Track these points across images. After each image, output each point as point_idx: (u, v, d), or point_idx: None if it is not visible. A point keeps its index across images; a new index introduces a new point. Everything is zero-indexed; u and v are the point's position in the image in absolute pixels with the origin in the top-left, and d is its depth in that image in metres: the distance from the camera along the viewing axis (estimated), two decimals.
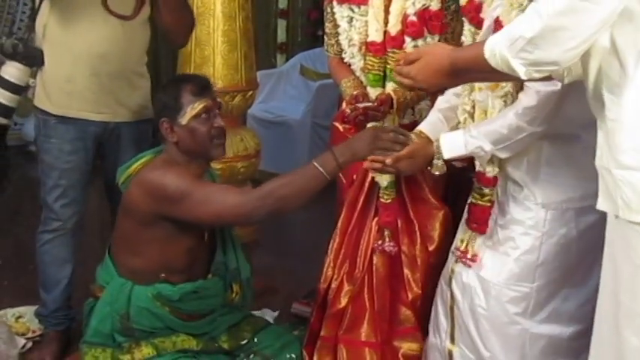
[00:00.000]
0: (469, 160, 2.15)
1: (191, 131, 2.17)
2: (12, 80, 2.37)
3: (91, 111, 2.48)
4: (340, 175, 2.51)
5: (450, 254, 2.21)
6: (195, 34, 3.19)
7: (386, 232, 2.41)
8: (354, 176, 2.47)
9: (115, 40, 2.42)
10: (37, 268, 2.69)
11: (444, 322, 2.18)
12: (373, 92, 2.34)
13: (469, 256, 2.13)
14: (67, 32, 2.40)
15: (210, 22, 3.29)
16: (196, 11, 3.20)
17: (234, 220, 2.19)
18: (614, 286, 1.54)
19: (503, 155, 1.99)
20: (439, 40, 2.31)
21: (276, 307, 3.00)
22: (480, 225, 2.12)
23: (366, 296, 2.44)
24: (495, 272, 2.05)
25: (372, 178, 2.42)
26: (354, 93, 2.33)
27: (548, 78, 1.79)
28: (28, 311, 2.87)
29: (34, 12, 2.39)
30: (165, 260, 2.20)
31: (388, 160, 2.05)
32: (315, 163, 2.02)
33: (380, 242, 2.41)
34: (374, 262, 2.43)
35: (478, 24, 2.01)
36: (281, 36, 5.70)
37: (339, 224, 2.48)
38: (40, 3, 2.40)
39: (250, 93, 3.53)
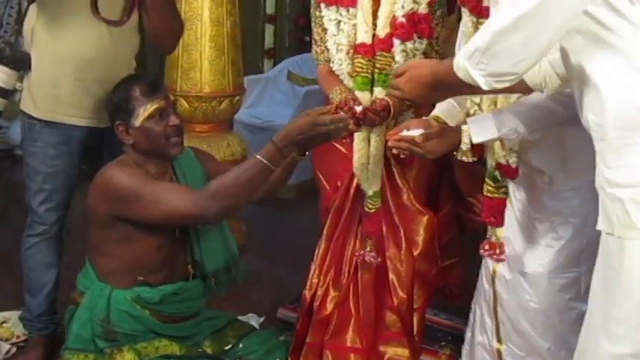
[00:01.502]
0: (481, 153, 2.14)
1: (145, 132, 2.17)
2: None
3: (75, 116, 2.47)
4: (323, 181, 2.52)
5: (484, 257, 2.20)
6: (183, 39, 3.18)
7: (368, 242, 2.42)
8: (338, 183, 2.47)
9: (102, 46, 2.41)
10: (21, 272, 2.67)
11: (488, 321, 2.19)
12: (362, 96, 2.32)
13: (497, 251, 2.14)
14: (54, 37, 2.39)
15: (198, 27, 3.29)
16: (184, 16, 3.19)
17: (184, 220, 2.16)
18: (604, 303, 1.56)
19: (534, 137, 1.96)
20: (428, 44, 2.31)
21: (262, 312, 3.00)
22: (497, 218, 2.13)
23: (351, 302, 2.45)
24: (541, 265, 2.05)
25: (357, 187, 2.42)
26: (345, 96, 2.32)
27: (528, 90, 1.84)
28: (12, 316, 2.85)
29: (20, 15, 2.39)
30: (136, 260, 2.20)
31: (418, 138, 2.00)
32: (258, 156, 2.01)
33: (362, 252, 2.42)
34: (359, 268, 2.43)
35: (480, 13, 1.99)
36: (268, 41, 5.71)
37: (325, 231, 2.48)
38: (28, 7, 2.39)
39: (237, 98, 3.53)
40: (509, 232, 2.14)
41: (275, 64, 5.57)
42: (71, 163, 2.54)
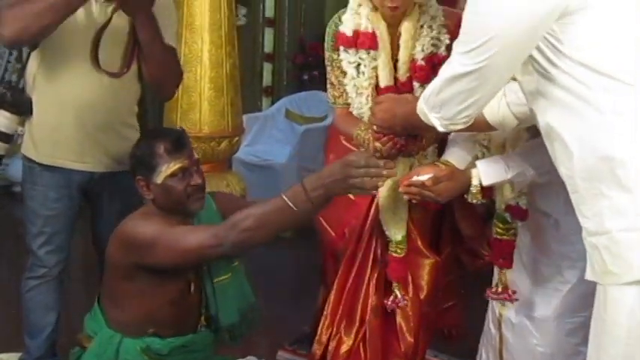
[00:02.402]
0: (490, 195, 2.14)
1: (167, 190, 2.15)
2: (0, 129, 2.39)
3: (75, 160, 2.48)
4: (328, 227, 2.51)
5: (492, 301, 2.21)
6: (183, 80, 3.23)
7: (395, 286, 2.40)
8: (345, 230, 2.47)
9: (104, 92, 2.43)
10: (20, 313, 2.66)
11: None
12: None
13: (508, 293, 2.14)
14: (55, 83, 2.42)
15: (198, 69, 3.33)
16: (183, 58, 3.24)
17: (202, 255, 2.11)
18: (598, 352, 1.60)
19: (543, 180, 1.99)
20: None
21: (261, 354, 2.97)
22: (506, 259, 2.13)
23: (361, 350, 2.44)
24: (548, 309, 2.06)
25: (370, 232, 2.41)
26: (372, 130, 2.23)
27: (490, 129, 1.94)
28: (10, 358, 2.83)
29: (22, 61, 2.42)
30: (150, 314, 2.18)
31: (428, 181, 2.02)
32: (285, 197, 1.96)
33: (392, 298, 2.39)
34: (367, 315, 2.43)
35: None
36: (267, 79, 5.75)
37: (337, 280, 2.45)
38: (29, 53, 2.42)
39: (236, 139, 3.56)
40: (515, 275, 2.14)
41: (273, 103, 5.60)
42: (71, 206, 2.55)
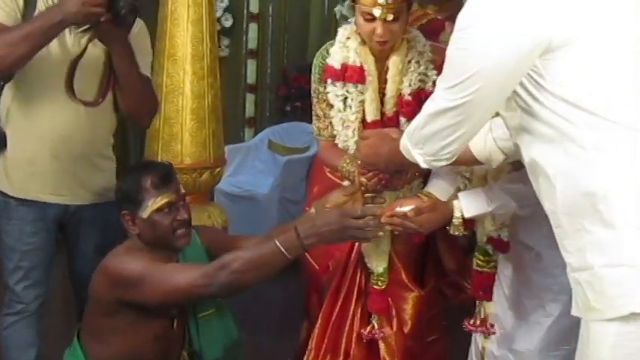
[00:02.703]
0: (472, 227, 2.14)
1: (153, 225, 2.13)
2: None
3: (50, 193, 2.45)
4: (312, 261, 2.50)
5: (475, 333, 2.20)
6: (164, 111, 3.22)
7: (375, 319, 2.39)
8: (330, 263, 2.45)
9: (79, 123, 2.41)
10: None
11: None
12: None
13: (487, 326, 2.12)
14: (29, 115, 2.39)
15: (179, 100, 3.30)
16: (165, 89, 3.23)
17: (190, 295, 2.10)
18: None
19: (524, 213, 2.00)
20: None
21: None
22: (486, 292, 2.12)
23: None
24: (531, 342, 2.06)
25: (355, 265, 2.39)
26: (357, 165, 2.24)
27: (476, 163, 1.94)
28: None
29: None
30: (132, 350, 2.15)
31: (410, 212, 2.03)
32: (277, 242, 1.96)
33: (369, 329, 2.38)
34: (352, 349, 2.40)
35: None
36: (249, 110, 5.74)
37: (322, 313, 2.44)
38: (3, 86, 2.39)
39: (218, 170, 3.53)
40: (497, 308, 2.14)
41: (256, 134, 5.59)
42: (48, 239, 2.51)
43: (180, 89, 3.32)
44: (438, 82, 1.66)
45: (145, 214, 2.13)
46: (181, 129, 3.36)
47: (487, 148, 1.91)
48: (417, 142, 1.73)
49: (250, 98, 5.73)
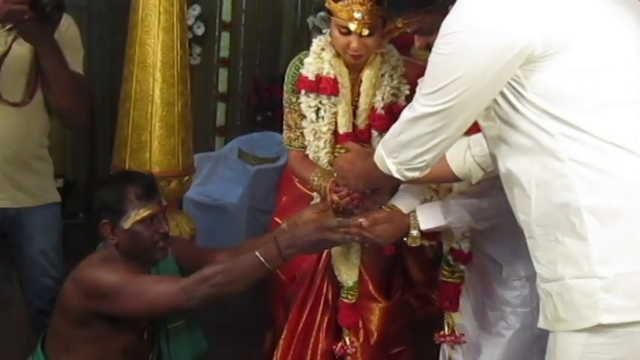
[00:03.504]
0: (437, 238, 2.16)
1: (133, 235, 2.10)
2: None
3: None
4: (278, 271, 2.48)
5: (443, 344, 2.22)
6: (133, 118, 3.19)
7: (346, 333, 2.38)
8: (296, 274, 2.44)
9: (10, 126, 2.37)
10: None
11: None
12: None
13: (457, 334, 2.14)
14: None
15: (148, 108, 3.27)
16: (134, 96, 3.19)
17: (169, 309, 2.10)
18: None
19: (481, 227, 2.02)
20: None
21: None
22: (452, 303, 2.14)
23: None
24: (493, 354, 2.07)
25: (322, 277, 2.39)
26: (330, 180, 2.25)
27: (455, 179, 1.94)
28: None
29: None
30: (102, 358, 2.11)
31: (365, 223, 2.04)
32: (257, 253, 1.98)
33: (341, 344, 2.37)
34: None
35: None
36: (220, 119, 5.73)
37: (288, 324, 2.43)
38: None
39: (187, 178, 3.50)
40: (464, 319, 2.15)
41: (226, 142, 5.58)
42: None
43: (149, 96, 3.29)
44: (418, 89, 1.66)
45: (126, 224, 2.10)
46: (150, 137, 3.32)
47: (466, 165, 1.92)
48: (392, 150, 1.72)
49: (221, 107, 5.72)
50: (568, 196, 1.52)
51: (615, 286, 1.49)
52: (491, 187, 1.96)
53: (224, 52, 5.63)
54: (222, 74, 5.67)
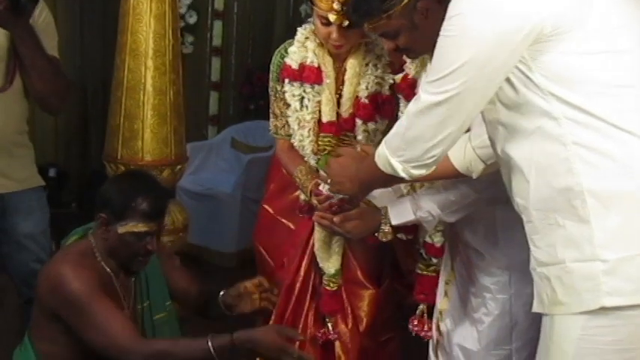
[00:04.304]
0: (414, 232, 2.17)
1: (122, 241, 2.10)
2: None
3: None
4: (267, 257, 2.49)
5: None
6: (125, 107, 3.18)
7: (328, 321, 2.39)
8: (284, 260, 2.45)
9: None
10: None
11: None
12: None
13: (427, 326, 2.22)
14: None
15: (140, 96, 3.27)
16: (126, 85, 3.19)
17: (119, 349, 2.05)
18: None
19: (451, 220, 2.03)
20: (389, 124, 2.33)
21: None
22: (427, 295, 2.17)
23: None
24: (475, 339, 2.09)
25: (309, 263, 2.40)
26: (314, 182, 2.27)
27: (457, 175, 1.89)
28: None
29: None
30: (84, 349, 2.10)
31: (336, 219, 2.06)
32: (209, 340, 1.98)
33: (323, 331, 2.39)
34: (306, 347, 2.40)
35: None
36: (213, 108, 5.72)
37: (276, 310, 2.44)
38: None
39: (179, 167, 3.50)
40: (451, 306, 2.17)
41: (219, 131, 5.57)
42: None
43: (141, 85, 3.29)
44: (423, 79, 1.64)
45: (121, 230, 2.09)
46: (142, 125, 3.32)
47: (467, 158, 1.89)
48: (397, 148, 1.65)
49: (214, 96, 5.70)
50: (570, 180, 1.51)
51: (618, 269, 1.48)
52: (457, 180, 1.98)
53: (216, 41, 5.62)
54: (215, 63, 5.66)
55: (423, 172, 1.66)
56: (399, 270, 2.51)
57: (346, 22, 2.15)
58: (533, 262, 1.61)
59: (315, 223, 2.32)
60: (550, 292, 1.56)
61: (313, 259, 2.40)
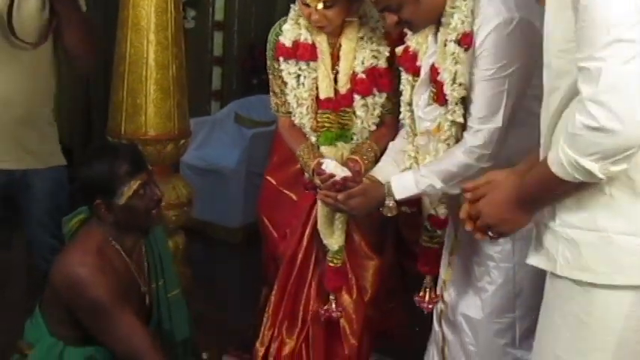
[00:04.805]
0: (418, 205, 2.18)
1: (129, 210, 2.10)
2: None
3: None
4: (270, 228, 2.50)
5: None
6: (127, 82, 3.17)
7: (331, 297, 2.40)
8: (287, 231, 2.46)
9: (20, 84, 2.38)
10: None
11: None
12: (327, 151, 2.31)
13: (433, 297, 2.24)
14: None
15: (143, 71, 3.26)
16: (128, 60, 3.18)
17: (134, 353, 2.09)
18: (552, 344, 1.57)
19: (454, 192, 2.03)
20: (386, 97, 2.32)
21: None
22: (431, 267, 2.18)
23: (304, 353, 2.43)
24: (478, 308, 2.11)
25: (311, 234, 2.40)
26: (317, 162, 2.27)
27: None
28: None
29: None
30: None
31: (340, 196, 2.06)
32: None
33: (326, 308, 2.40)
34: (309, 318, 2.42)
35: (415, 72, 2.07)
36: (216, 83, 5.70)
37: (278, 281, 2.46)
38: None
39: (183, 141, 3.49)
40: (455, 275, 2.18)
41: (222, 107, 5.56)
42: None
43: (143, 59, 3.28)
44: (603, 38, 1.29)
45: (121, 201, 2.10)
46: (145, 100, 3.31)
47: None
48: (590, 144, 1.34)
49: (217, 71, 5.69)
50: (638, 154, 1.36)
51: None
52: (459, 151, 1.98)
53: (219, 15, 5.59)
54: (217, 38, 5.63)
55: (624, 165, 1.38)
56: (401, 240, 2.52)
57: (320, 5, 2.15)
58: (557, 220, 1.52)
59: (318, 200, 2.32)
60: (573, 255, 1.49)
61: (315, 230, 2.41)
